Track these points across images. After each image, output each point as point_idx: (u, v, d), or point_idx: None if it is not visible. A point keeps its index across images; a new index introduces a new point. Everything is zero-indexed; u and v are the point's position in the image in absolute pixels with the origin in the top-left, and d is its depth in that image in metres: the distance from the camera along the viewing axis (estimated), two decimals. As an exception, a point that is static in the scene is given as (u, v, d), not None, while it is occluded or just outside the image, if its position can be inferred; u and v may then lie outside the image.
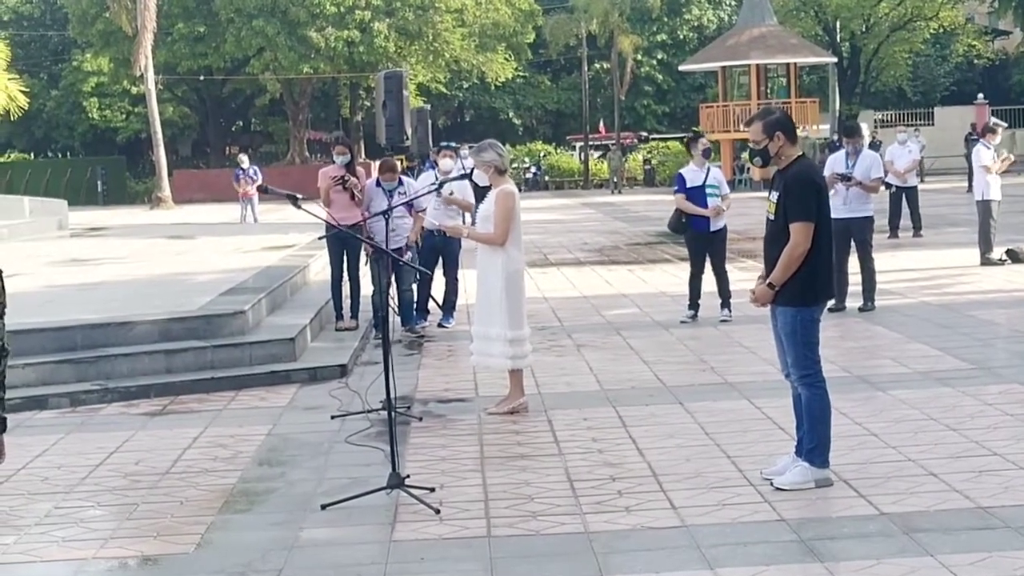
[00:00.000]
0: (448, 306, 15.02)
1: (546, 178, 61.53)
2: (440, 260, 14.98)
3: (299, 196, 8.26)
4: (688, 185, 14.28)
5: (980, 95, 59.34)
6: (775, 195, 7.60)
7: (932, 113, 62.15)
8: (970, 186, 32.66)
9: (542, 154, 63.16)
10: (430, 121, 23.22)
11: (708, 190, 14.30)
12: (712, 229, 14.35)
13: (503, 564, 6.37)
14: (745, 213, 25.47)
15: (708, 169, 14.43)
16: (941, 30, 66.93)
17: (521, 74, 67.30)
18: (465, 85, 67.02)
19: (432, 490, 7.65)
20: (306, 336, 13.14)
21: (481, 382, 11.27)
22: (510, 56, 63.08)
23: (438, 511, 7.25)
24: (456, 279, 15.10)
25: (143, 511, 7.66)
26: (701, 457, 8.30)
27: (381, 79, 15.76)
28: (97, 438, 9.74)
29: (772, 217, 7.60)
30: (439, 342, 14.05)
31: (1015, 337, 12.56)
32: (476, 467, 8.36)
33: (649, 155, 61.33)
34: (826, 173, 14.54)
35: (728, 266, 14.86)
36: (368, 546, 6.78)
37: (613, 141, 60.66)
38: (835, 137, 51.46)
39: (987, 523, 6.61)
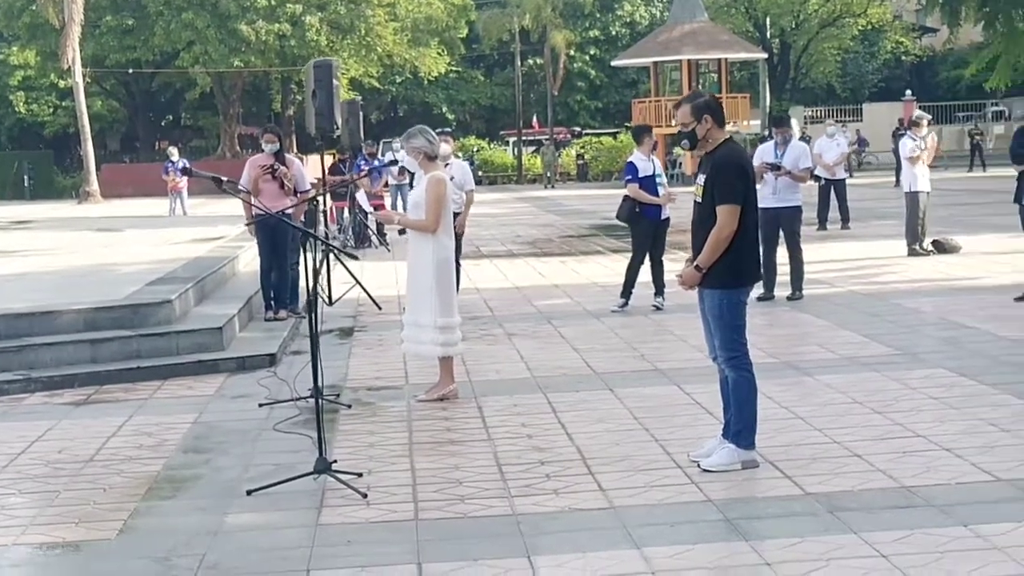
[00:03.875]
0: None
1: (480, 173, 61.49)
2: None
3: (224, 178, 8.20)
4: (641, 174, 14.29)
5: (908, 91, 59.92)
6: (702, 178, 7.62)
7: (861, 109, 62.74)
8: (898, 180, 33.02)
9: (475, 149, 63.12)
10: (362, 115, 23.08)
11: (656, 179, 14.35)
12: (662, 217, 14.41)
13: (430, 547, 6.34)
14: (677, 206, 25.50)
15: (653, 160, 14.49)
16: (869, 27, 67.69)
17: (454, 69, 67.25)
18: (398, 80, 66.87)
19: (360, 475, 7.62)
20: (234, 325, 13.05)
21: (411, 370, 11.23)
22: (443, 51, 63.03)
23: (365, 496, 7.21)
24: None
25: (65, 498, 7.56)
26: (629, 441, 8.32)
27: (311, 68, 15.64)
28: (19, 427, 9.61)
29: (699, 200, 7.63)
30: (370, 331, 14.00)
31: (940, 324, 12.69)
32: (405, 453, 8.33)
33: (582, 150, 61.45)
34: (756, 163, 14.64)
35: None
36: (294, 530, 6.73)
37: (546, 136, 60.73)
38: (766, 132, 51.88)
39: (910, 502, 6.67)
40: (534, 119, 65.80)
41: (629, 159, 14.78)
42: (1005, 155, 15.42)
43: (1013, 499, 6.61)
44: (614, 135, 61.56)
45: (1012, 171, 13.92)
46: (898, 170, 33.21)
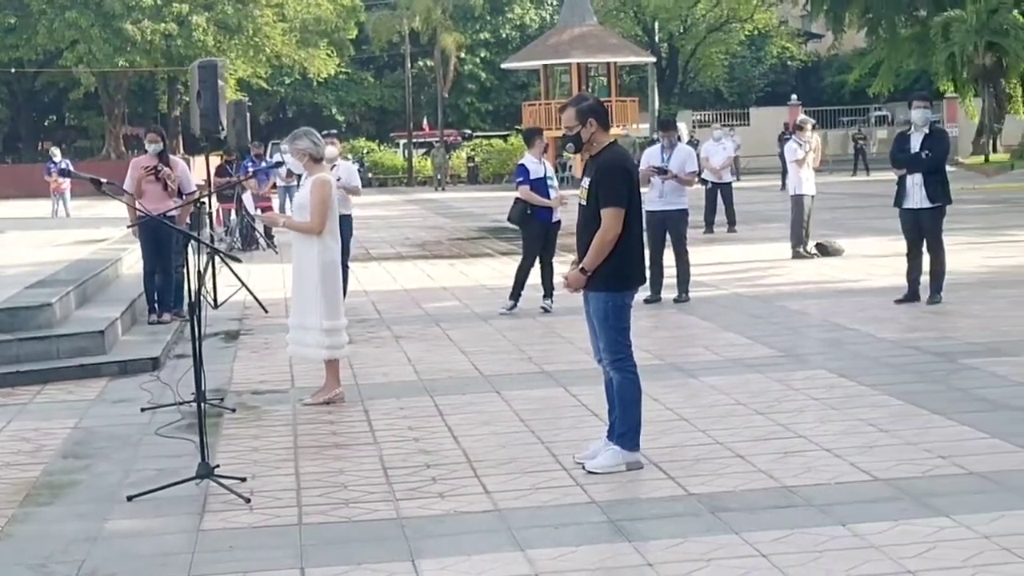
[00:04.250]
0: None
1: (370, 175, 61.22)
2: None
3: (103, 180, 8.06)
4: (532, 176, 14.30)
5: (794, 96, 60.84)
6: (587, 181, 7.66)
7: (748, 114, 63.54)
8: (783, 184, 33.45)
9: (365, 151, 62.88)
10: (249, 116, 22.87)
11: (548, 181, 14.37)
12: (553, 220, 14.44)
13: (314, 551, 6.29)
14: (567, 209, 25.62)
15: (544, 162, 14.52)
16: (756, 32, 68.62)
17: (344, 70, 66.95)
18: (287, 81, 66.43)
19: (243, 480, 7.54)
20: (117, 329, 12.85)
21: (297, 373, 11.15)
22: (332, 52, 62.70)
23: (249, 500, 7.14)
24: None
25: (-60, 506, 7.39)
26: (515, 443, 8.33)
27: (195, 69, 15.47)
28: None
29: (584, 203, 7.65)
30: (256, 334, 13.87)
31: (823, 326, 12.89)
32: (289, 457, 8.27)
33: (473, 152, 61.51)
34: (642, 167, 14.77)
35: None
36: (175, 536, 6.64)
37: (437, 138, 60.75)
38: (655, 136, 52.32)
39: (790, 501, 6.75)
40: (424, 121, 65.77)
41: (520, 161, 14.80)
42: (887, 159, 15.70)
43: (890, 498, 6.72)
44: (504, 137, 61.73)
45: (893, 175, 14.16)
46: (783, 174, 33.66)
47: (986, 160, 47.28)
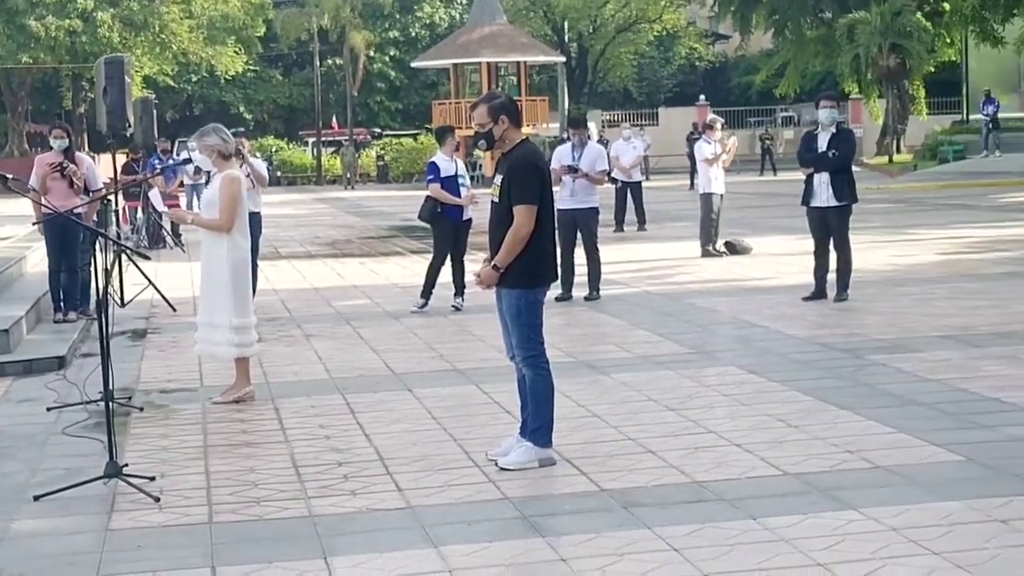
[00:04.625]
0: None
1: (278, 174, 60.79)
2: None
3: (9, 176, 7.93)
4: (443, 174, 14.27)
5: (702, 96, 61.35)
6: (499, 178, 7.66)
7: (657, 113, 63.96)
8: (692, 183, 33.74)
9: (274, 149, 62.44)
10: (156, 113, 22.63)
11: (459, 180, 14.36)
12: (464, 218, 14.42)
13: (224, 549, 6.24)
14: (479, 207, 25.65)
15: (456, 160, 14.51)
16: (665, 33, 69.09)
17: (252, 68, 66.39)
18: (194, 78, 65.81)
19: (152, 479, 7.45)
20: (22, 328, 12.64)
21: (206, 372, 11.04)
22: (240, 49, 62.13)
23: (158, 499, 7.06)
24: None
25: None
26: (428, 441, 8.31)
27: (101, 65, 15.29)
28: None
29: (496, 200, 7.66)
30: (164, 333, 13.72)
31: (732, 323, 13.00)
32: (199, 456, 8.18)
33: (382, 151, 61.30)
34: (553, 165, 14.81)
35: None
36: (83, 536, 6.55)
37: (346, 137, 60.49)
38: (565, 135, 52.50)
39: (701, 496, 6.81)
40: (334, 120, 65.47)
41: (431, 159, 14.79)
42: (794, 159, 15.89)
43: (799, 492, 6.80)
44: (415, 136, 61.62)
45: (800, 175, 14.32)
46: (692, 173, 33.95)
47: (890, 160, 47.97)
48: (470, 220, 14.60)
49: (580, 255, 14.97)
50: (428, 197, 14.43)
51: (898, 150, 49.98)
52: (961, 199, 31.13)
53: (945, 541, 5.89)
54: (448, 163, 14.35)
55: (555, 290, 13.84)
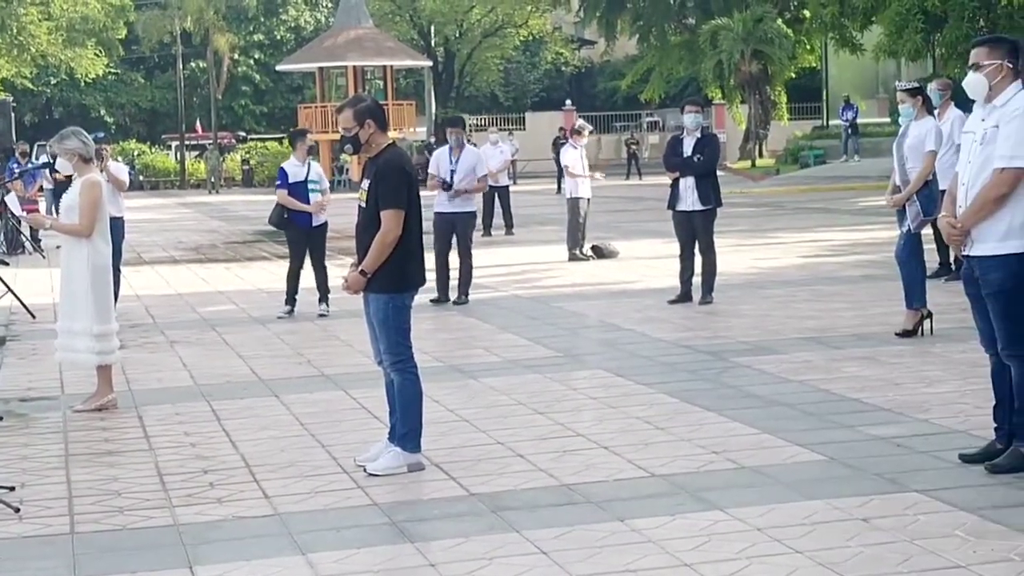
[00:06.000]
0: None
1: (141, 178, 59.86)
2: None
3: None
4: (291, 180, 14.18)
5: (568, 101, 61.74)
6: (367, 183, 7.62)
7: (523, 118, 64.25)
8: (559, 188, 33.95)
9: (136, 153, 61.47)
10: (13, 116, 22.19)
11: (310, 185, 14.25)
12: (314, 224, 14.33)
13: (86, 560, 6.12)
14: (344, 212, 25.58)
15: (310, 165, 14.40)
16: (531, 38, 69.39)
17: (113, 71, 65.35)
18: (53, 81, 64.57)
19: (12, 489, 7.27)
20: None
21: (67, 380, 10.82)
22: (101, 52, 61.02)
23: (18, 510, 6.90)
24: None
25: None
26: (295, 447, 8.24)
27: (-43, 65, 14.92)
28: None
29: (364, 204, 7.62)
30: (23, 340, 13.42)
31: (599, 327, 13.10)
32: (60, 465, 8.02)
33: (247, 155, 60.72)
34: (432, 169, 14.91)
35: (327, 262, 14.85)
36: (-61, 550, 6.38)
37: (210, 141, 59.79)
38: (432, 140, 52.54)
39: (570, 499, 6.84)
40: (197, 123, 64.71)
41: (282, 165, 14.74)
42: (660, 164, 16.06)
43: (666, 494, 6.86)
44: (280, 140, 61.03)
45: (666, 179, 14.48)
46: (559, 177, 34.14)
47: (753, 165, 48.76)
48: (324, 225, 14.49)
49: (453, 258, 14.96)
50: (277, 203, 14.36)
51: (760, 155, 50.81)
52: (821, 203, 31.74)
53: (808, 540, 5.99)
54: (298, 168, 14.25)
55: (429, 293, 13.86)
